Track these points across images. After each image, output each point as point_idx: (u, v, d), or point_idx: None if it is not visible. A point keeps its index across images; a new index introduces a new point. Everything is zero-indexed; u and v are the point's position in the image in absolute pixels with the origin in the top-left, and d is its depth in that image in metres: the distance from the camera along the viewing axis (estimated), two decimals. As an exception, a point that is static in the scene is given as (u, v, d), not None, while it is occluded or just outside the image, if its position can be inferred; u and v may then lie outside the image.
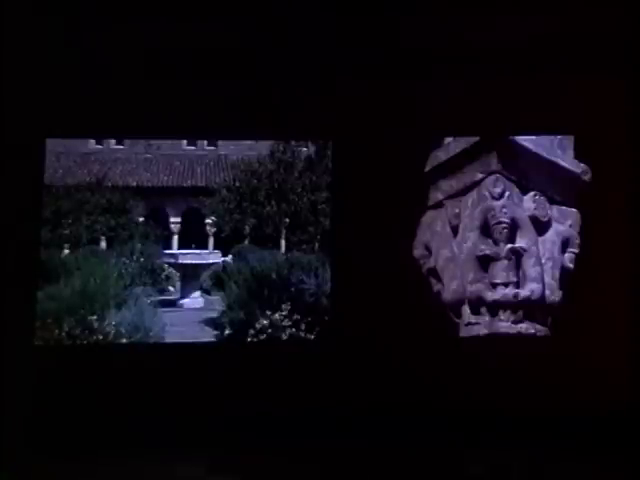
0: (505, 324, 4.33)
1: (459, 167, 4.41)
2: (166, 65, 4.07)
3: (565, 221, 4.42)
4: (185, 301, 8.03)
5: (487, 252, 4.33)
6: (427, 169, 4.38)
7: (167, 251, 8.62)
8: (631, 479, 3.37)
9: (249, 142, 8.53)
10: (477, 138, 4.40)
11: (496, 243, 4.35)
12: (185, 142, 9.86)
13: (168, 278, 8.09)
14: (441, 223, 4.41)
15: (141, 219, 8.74)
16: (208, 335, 6.43)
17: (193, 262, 8.21)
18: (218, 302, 7.31)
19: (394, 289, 4.11)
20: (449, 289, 4.35)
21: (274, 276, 6.62)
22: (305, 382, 3.97)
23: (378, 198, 4.17)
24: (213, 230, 9.18)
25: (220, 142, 9.58)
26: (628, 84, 4.24)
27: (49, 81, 3.98)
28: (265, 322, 5.99)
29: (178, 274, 8.21)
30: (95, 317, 5.74)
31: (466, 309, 4.34)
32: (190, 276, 8.16)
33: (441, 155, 4.41)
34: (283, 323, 5.97)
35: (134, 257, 7.48)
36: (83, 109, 4.05)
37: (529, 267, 4.33)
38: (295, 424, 3.79)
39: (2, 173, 3.68)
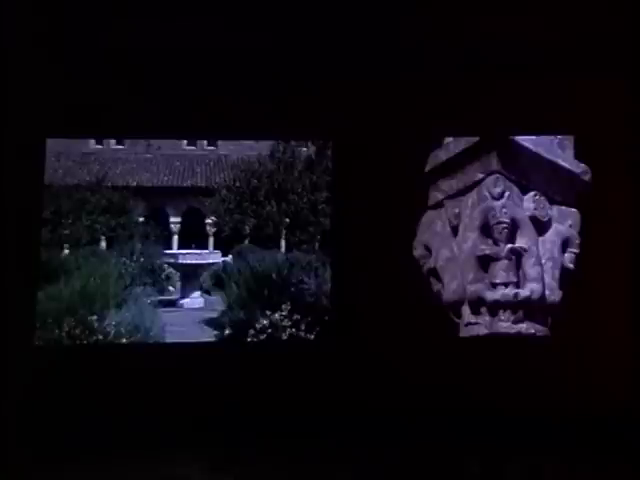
0: (505, 324, 4.33)
1: (459, 167, 4.41)
2: (166, 65, 4.07)
3: (565, 221, 4.42)
4: (185, 301, 8.05)
5: (487, 252, 4.33)
6: (427, 169, 4.38)
7: (167, 251, 8.65)
8: (631, 479, 3.37)
9: (249, 142, 8.56)
10: (477, 138, 4.40)
11: (496, 243, 4.35)
12: (185, 142, 9.89)
13: (168, 278, 8.11)
14: (441, 223, 4.40)
15: (141, 219, 8.77)
16: (208, 335, 6.45)
17: (193, 262, 8.22)
18: (218, 302, 7.33)
19: (394, 289, 4.11)
20: (449, 289, 4.35)
21: (274, 276, 6.63)
22: (305, 382, 3.96)
23: (378, 198, 4.16)
24: (213, 230, 9.21)
25: (220, 142, 9.62)
26: (628, 84, 4.24)
27: (49, 81, 3.98)
28: (265, 322, 6.00)
29: (178, 274, 8.22)
30: (95, 317, 5.76)
31: (466, 309, 4.34)
32: (190, 276, 8.17)
33: (441, 155, 4.41)
34: (283, 323, 5.98)
35: (134, 257, 7.50)
36: (83, 109, 4.05)
37: (529, 267, 4.33)
38: (295, 424, 3.79)
39: (2, 173, 3.68)
